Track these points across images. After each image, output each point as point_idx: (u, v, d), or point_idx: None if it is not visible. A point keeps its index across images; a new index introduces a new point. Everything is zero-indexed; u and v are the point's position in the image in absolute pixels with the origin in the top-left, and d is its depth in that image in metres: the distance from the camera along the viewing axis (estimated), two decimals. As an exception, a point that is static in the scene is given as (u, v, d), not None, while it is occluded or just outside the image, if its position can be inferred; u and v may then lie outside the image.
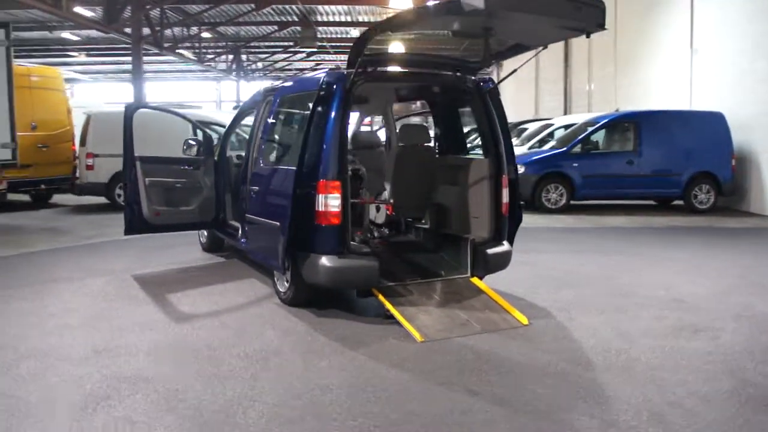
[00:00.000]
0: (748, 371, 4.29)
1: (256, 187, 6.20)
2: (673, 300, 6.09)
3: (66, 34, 29.20)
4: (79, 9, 20.04)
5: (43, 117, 13.21)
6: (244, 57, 37.28)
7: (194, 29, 27.17)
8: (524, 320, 5.30)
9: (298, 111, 6.59)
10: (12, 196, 13.77)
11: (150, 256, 8.19)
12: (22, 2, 16.15)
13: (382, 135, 7.93)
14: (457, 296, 5.64)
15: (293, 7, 24.43)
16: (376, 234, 6.80)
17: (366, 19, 26.21)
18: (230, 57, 35.10)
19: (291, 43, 31.92)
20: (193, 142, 7.68)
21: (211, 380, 4.16)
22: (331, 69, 5.90)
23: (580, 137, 12.92)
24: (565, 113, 22.39)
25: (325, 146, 5.34)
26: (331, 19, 26.68)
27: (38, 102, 13.12)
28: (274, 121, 6.36)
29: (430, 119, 7.83)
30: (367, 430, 3.47)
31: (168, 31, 25.59)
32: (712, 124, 12.67)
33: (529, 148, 14.98)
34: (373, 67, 5.55)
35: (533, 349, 4.78)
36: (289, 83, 6.68)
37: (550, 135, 15.34)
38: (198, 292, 6.37)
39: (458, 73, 5.91)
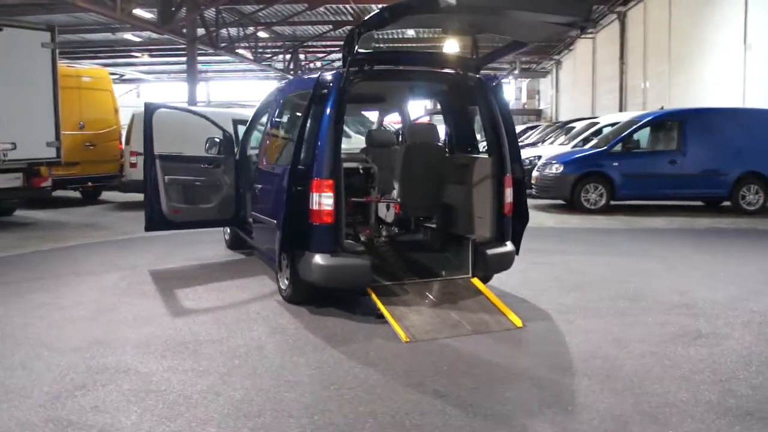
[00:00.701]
0: (737, 381, 4.08)
1: (260, 185, 6.29)
2: (685, 305, 5.85)
3: (128, 36, 30.26)
4: (138, 11, 20.78)
5: (90, 116, 13.72)
6: (302, 56, 37.75)
7: (250, 29, 27.67)
8: (518, 323, 5.20)
9: (296, 110, 6.64)
10: (63, 193, 14.40)
11: (174, 252, 8.40)
12: (77, 5, 16.80)
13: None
14: (454, 297, 5.58)
15: (347, 6, 24.61)
16: (384, 233, 6.78)
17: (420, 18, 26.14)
18: (287, 56, 35.64)
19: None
20: (216, 141, 7.86)
21: (187, 374, 4.24)
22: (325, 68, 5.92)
23: (620, 136, 12.55)
24: (621, 111, 21.82)
25: (319, 145, 5.37)
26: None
27: (86, 102, 13.64)
28: (275, 119, 6.44)
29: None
30: (319, 427, 3.48)
31: (224, 32, 26.21)
32: (762, 122, 12.11)
33: (573, 147, 14.70)
34: (369, 65, 5.54)
35: (518, 352, 4.69)
36: (291, 82, 6.75)
37: (595, 134, 14.98)
38: (206, 288, 6.50)
39: (459, 70, 5.84)
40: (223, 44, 26.29)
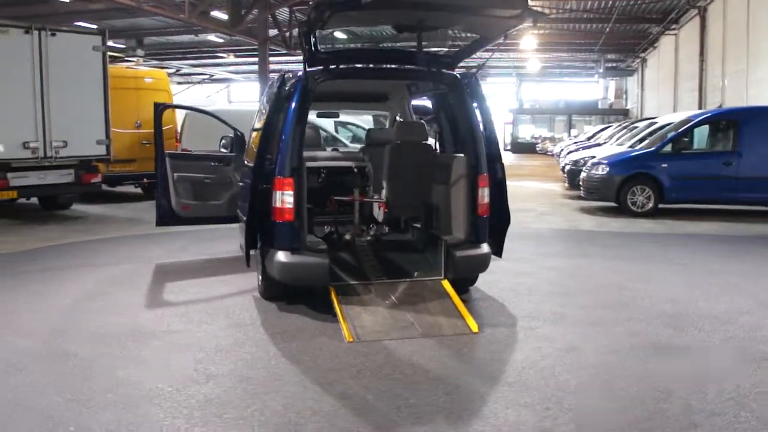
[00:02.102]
0: (670, 401, 3.78)
1: (241, 183, 6.40)
2: (672, 315, 5.49)
3: (211, 37, 31.37)
4: (216, 13, 21.58)
5: (147, 116, 14.32)
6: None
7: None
8: (475, 328, 5.05)
9: (268, 109, 6.68)
10: (125, 189, 15.18)
11: (190, 247, 8.68)
12: (148, 9, 17.64)
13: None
14: (416, 298, 5.48)
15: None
16: (372, 232, 6.73)
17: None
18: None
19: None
20: (230, 139, 8.05)
21: (123, 362, 4.40)
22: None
23: (670, 136, 11.90)
24: (700, 109, 20.71)
25: (281, 144, 5.41)
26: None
27: (144, 101, 14.25)
28: (258, 117, 6.53)
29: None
30: (201, 421, 3.51)
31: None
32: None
33: (629, 148, 14.08)
34: (336, 64, 5.52)
35: (455, 357, 4.55)
36: (272, 80, 6.81)
37: (653, 134, 14.27)
38: (196, 282, 6.68)
39: (433, 68, 5.73)
40: (296, 44, 26.86)
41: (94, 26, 24.75)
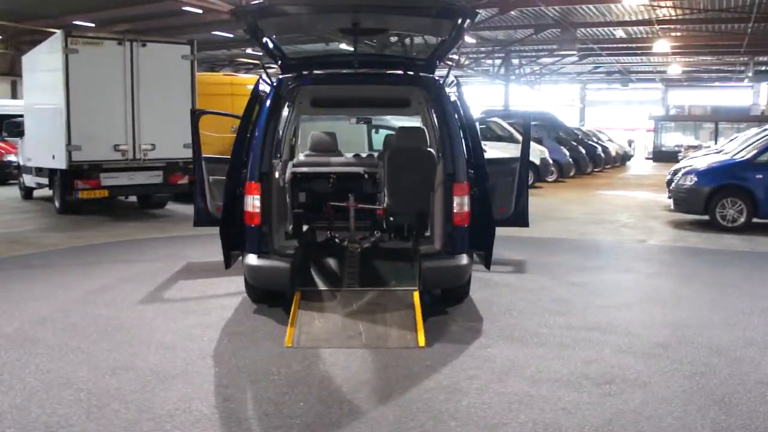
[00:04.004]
0: (557, 434, 3.45)
1: None
2: (660, 344, 4.95)
3: (343, 45, 32.35)
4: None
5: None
6: (515, 61, 37.18)
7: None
8: (422, 342, 4.86)
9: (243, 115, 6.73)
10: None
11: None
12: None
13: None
14: (379, 308, 5.36)
15: (549, 8, 23.83)
16: (372, 238, 6.65)
17: (628, 18, 24.46)
18: (497, 61, 35.39)
19: (555, 46, 31.10)
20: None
21: (82, 352, 4.69)
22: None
23: (766, 144, 10.69)
24: None
25: (252, 149, 5.52)
26: (590, 20, 25.28)
27: (239, 107, 14.99)
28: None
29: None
30: (85, 414, 3.68)
31: (420, 39, 26.89)
32: None
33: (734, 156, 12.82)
34: (309, 70, 5.54)
35: (377, 371, 4.41)
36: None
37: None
38: (206, 281, 6.93)
39: (409, 72, 5.58)
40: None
41: (230, 35, 26.64)
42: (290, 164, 7.06)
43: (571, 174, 22.61)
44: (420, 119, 7.46)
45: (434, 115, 5.60)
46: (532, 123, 23.31)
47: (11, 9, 22.30)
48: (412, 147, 6.37)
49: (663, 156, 37.10)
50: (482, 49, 33.01)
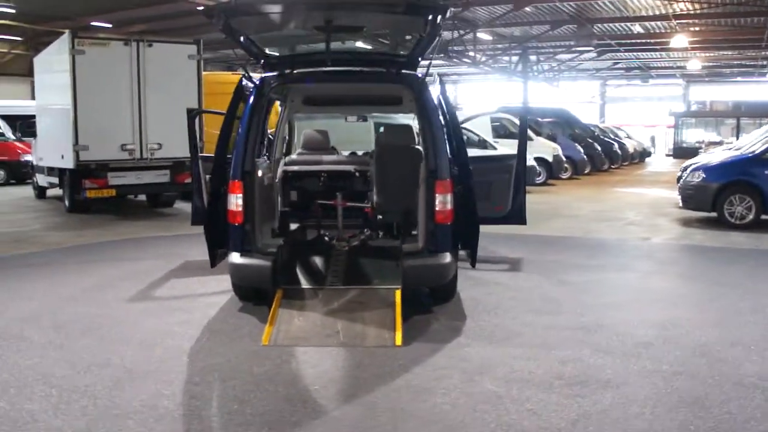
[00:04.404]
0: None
1: None
2: (637, 344, 4.87)
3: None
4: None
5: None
6: (533, 57, 36.86)
7: (456, 32, 27.87)
8: (398, 341, 4.84)
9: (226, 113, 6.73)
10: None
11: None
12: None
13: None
14: (360, 306, 5.35)
15: (565, 4, 23.61)
16: (361, 237, 6.64)
17: (645, 13, 24.16)
18: (513, 58, 35.11)
19: (572, 42, 30.80)
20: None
21: (63, 349, 4.76)
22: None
23: (776, 139, 10.50)
24: None
25: (235, 148, 5.54)
26: (606, 15, 24.98)
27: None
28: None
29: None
30: (52, 410, 3.72)
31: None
32: None
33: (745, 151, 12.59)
34: (291, 69, 5.54)
35: (349, 370, 4.39)
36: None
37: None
38: (199, 279, 6.94)
39: (391, 69, 5.55)
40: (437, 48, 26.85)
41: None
42: (282, 162, 7.07)
43: (586, 171, 22.39)
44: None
45: (418, 112, 5.56)
46: (547, 120, 23.26)
47: (30, 11, 22.65)
48: (399, 145, 6.34)
49: (683, 153, 36.56)
50: (499, 45, 32.84)
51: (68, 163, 11.86)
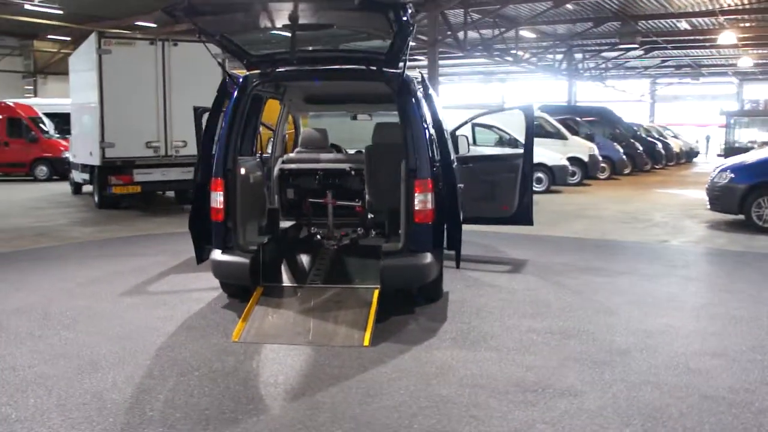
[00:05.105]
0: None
1: None
2: (613, 351, 4.71)
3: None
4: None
5: (273, 116, 15.28)
6: (578, 55, 36.16)
7: (497, 30, 27.52)
8: (366, 342, 4.80)
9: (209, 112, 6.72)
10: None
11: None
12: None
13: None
14: (336, 305, 5.33)
15: (607, 1, 23.10)
16: (352, 235, 6.63)
17: (691, 9, 23.47)
18: (558, 56, 34.52)
19: (616, 40, 30.09)
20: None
21: (41, 340, 4.89)
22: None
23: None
24: None
25: (216, 147, 5.59)
26: (651, 11, 24.32)
27: (272, 105, 15.20)
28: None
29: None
30: (6, 398, 3.84)
31: (475, 34, 26.45)
32: None
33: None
34: (272, 67, 5.55)
35: (307, 369, 4.38)
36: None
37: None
38: (194, 276, 7.00)
39: (372, 67, 5.51)
40: (478, 46, 26.65)
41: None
42: (279, 160, 7.11)
43: (626, 171, 21.88)
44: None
45: (400, 110, 5.50)
46: (587, 119, 22.75)
47: (77, 12, 23.39)
48: (389, 143, 6.30)
49: (735, 152, 35.26)
50: (543, 43, 32.33)
51: (95, 160, 12.19)
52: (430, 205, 5.41)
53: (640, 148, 22.98)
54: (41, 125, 20.07)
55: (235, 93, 5.59)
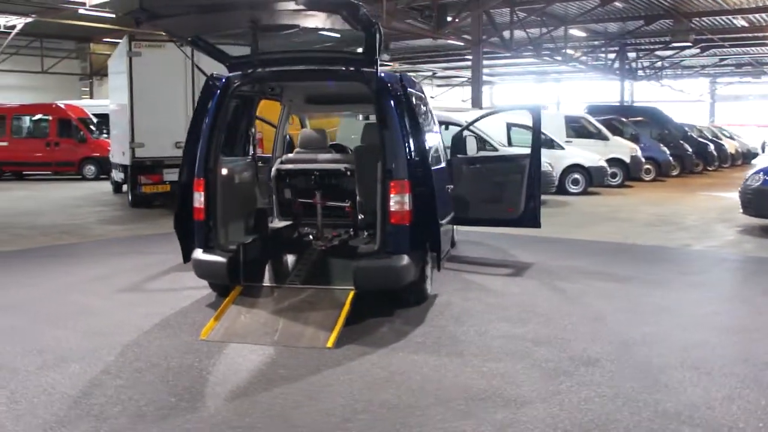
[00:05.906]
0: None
1: None
2: (583, 361, 4.55)
3: (450, 40, 31.97)
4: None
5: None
6: (632, 54, 35.17)
7: (545, 29, 27.02)
8: (330, 343, 4.79)
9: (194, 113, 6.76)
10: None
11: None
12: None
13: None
14: (309, 306, 5.34)
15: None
16: (342, 236, 6.62)
17: (747, 5, 22.58)
18: (611, 55, 33.66)
19: (668, 38, 29.14)
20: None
21: (23, 335, 5.05)
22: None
23: None
24: None
25: (199, 147, 5.67)
26: (704, 8, 23.49)
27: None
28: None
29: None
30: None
31: (521, 33, 26.03)
32: None
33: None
34: (252, 68, 5.59)
35: (261, 369, 4.40)
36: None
37: None
38: (192, 274, 7.11)
39: (351, 68, 5.48)
40: (527, 45, 26.27)
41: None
42: (277, 161, 7.16)
43: (674, 173, 21.19)
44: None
45: (377, 110, 5.46)
46: (633, 119, 22.12)
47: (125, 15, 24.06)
48: (377, 143, 6.25)
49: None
50: (594, 42, 31.58)
51: (127, 160, 12.54)
52: (407, 207, 5.36)
53: (690, 150, 22.18)
54: (90, 126, 20.80)
55: (217, 94, 5.65)
